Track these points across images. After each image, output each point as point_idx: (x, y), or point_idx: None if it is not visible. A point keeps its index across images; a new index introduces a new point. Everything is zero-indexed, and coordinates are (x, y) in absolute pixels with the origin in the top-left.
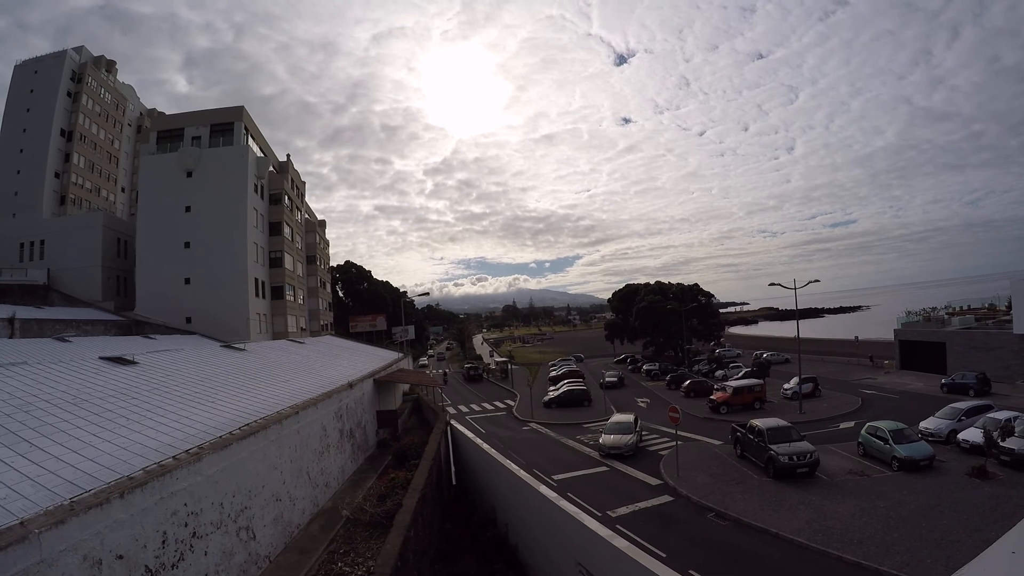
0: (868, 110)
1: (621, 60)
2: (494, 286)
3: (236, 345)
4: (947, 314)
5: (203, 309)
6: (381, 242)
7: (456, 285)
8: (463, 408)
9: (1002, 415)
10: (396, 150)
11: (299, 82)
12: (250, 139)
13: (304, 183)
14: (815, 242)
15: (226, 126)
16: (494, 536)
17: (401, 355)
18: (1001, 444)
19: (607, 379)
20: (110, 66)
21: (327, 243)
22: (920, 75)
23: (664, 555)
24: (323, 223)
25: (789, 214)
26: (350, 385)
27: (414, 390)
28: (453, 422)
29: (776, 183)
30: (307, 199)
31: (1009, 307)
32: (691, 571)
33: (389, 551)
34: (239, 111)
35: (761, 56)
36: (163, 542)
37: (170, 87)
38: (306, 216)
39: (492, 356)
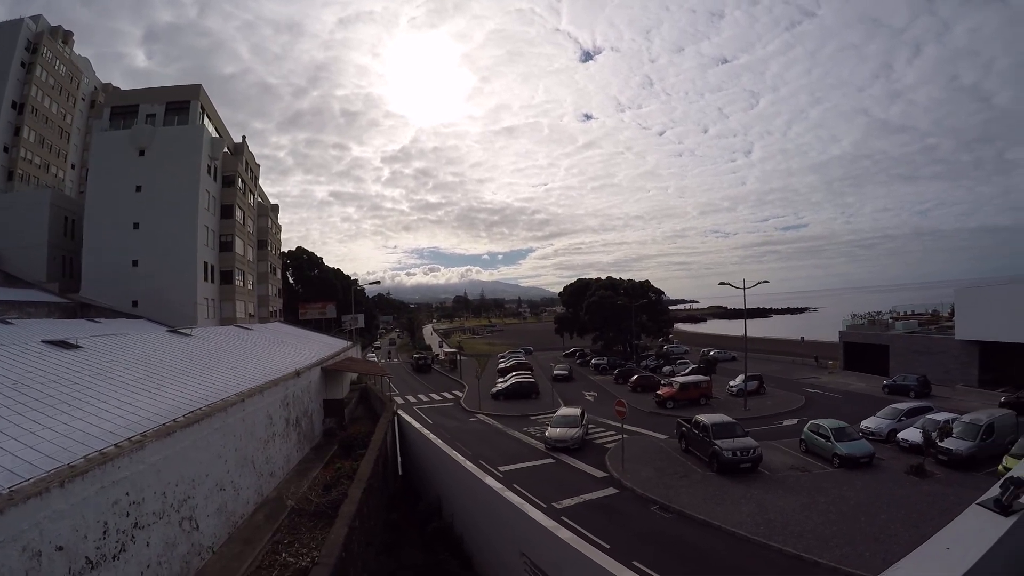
0: (826, 119)
1: (587, 57)
2: (446, 276)
3: (183, 330)
4: (891, 318)
5: (150, 292)
6: (335, 229)
7: (408, 274)
8: (411, 398)
9: (941, 416)
10: (355, 136)
11: (261, 62)
12: (206, 119)
13: (259, 166)
14: (766, 244)
15: (182, 104)
16: (439, 527)
17: (350, 343)
18: (939, 444)
19: (556, 372)
20: (67, 37)
21: (279, 228)
22: (880, 88)
23: (608, 546)
24: (276, 208)
25: (742, 216)
26: (297, 373)
27: (362, 379)
28: (400, 412)
29: (732, 185)
30: (261, 183)
31: (952, 314)
32: (635, 562)
33: (334, 541)
34: (196, 89)
35: (726, 61)
36: (104, 533)
37: (128, 61)
38: (259, 200)
39: (441, 347)
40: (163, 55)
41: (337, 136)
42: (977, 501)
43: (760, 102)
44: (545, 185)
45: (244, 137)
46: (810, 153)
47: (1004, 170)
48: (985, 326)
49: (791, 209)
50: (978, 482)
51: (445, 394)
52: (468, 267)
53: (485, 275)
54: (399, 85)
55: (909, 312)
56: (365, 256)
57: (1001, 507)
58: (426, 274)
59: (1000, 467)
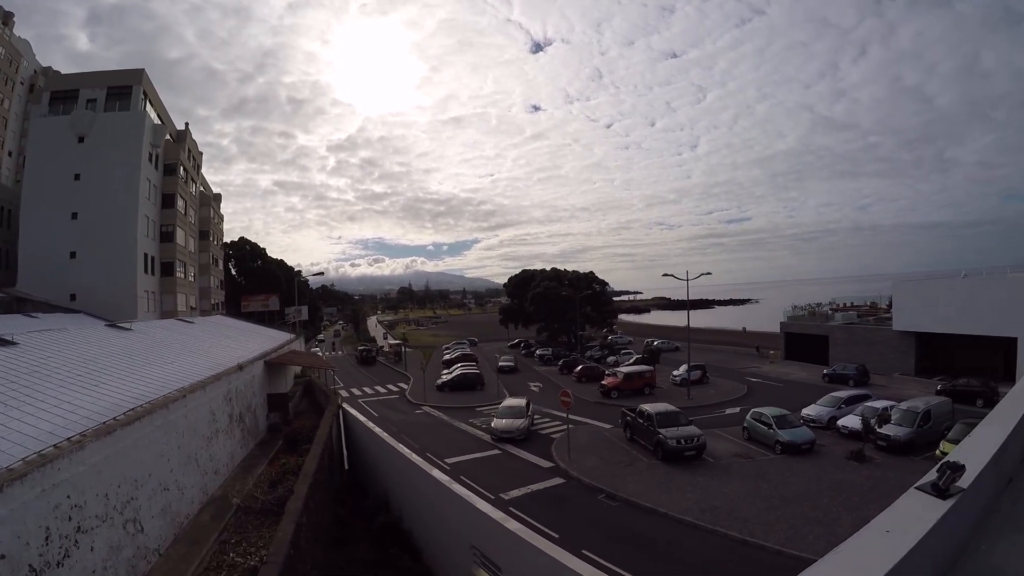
0: (772, 115)
1: (537, 48)
2: (391, 267)
3: (122, 324)
4: (831, 310)
5: (89, 285)
6: (278, 219)
7: (353, 265)
8: (356, 391)
9: (879, 404)
10: (301, 124)
11: (207, 47)
12: (148, 105)
13: (201, 154)
14: (710, 236)
15: (124, 89)
16: (388, 521)
17: (293, 336)
18: (878, 430)
19: (501, 363)
20: (7, 18)
21: (222, 218)
22: (825, 86)
23: (557, 535)
24: (219, 197)
25: (687, 208)
26: (240, 367)
27: (306, 372)
28: (345, 405)
29: (677, 178)
30: (204, 171)
31: (890, 306)
32: (584, 550)
33: (281, 539)
34: (139, 74)
35: (675, 55)
36: (47, 538)
37: (70, 44)
38: (201, 189)
39: (386, 338)
40: (106, 38)
41: (283, 124)
42: (915, 485)
43: (708, 97)
44: (492, 176)
45: (187, 124)
46: (755, 147)
47: (943, 169)
48: (921, 317)
49: (735, 202)
50: (916, 466)
51: (390, 386)
52: (413, 258)
53: (430, 266)
54: (347, 73)
55: (848, 304)
56: (309, 247)
57: (938, 491)
58: (371, 265)
59: (937, 452)
